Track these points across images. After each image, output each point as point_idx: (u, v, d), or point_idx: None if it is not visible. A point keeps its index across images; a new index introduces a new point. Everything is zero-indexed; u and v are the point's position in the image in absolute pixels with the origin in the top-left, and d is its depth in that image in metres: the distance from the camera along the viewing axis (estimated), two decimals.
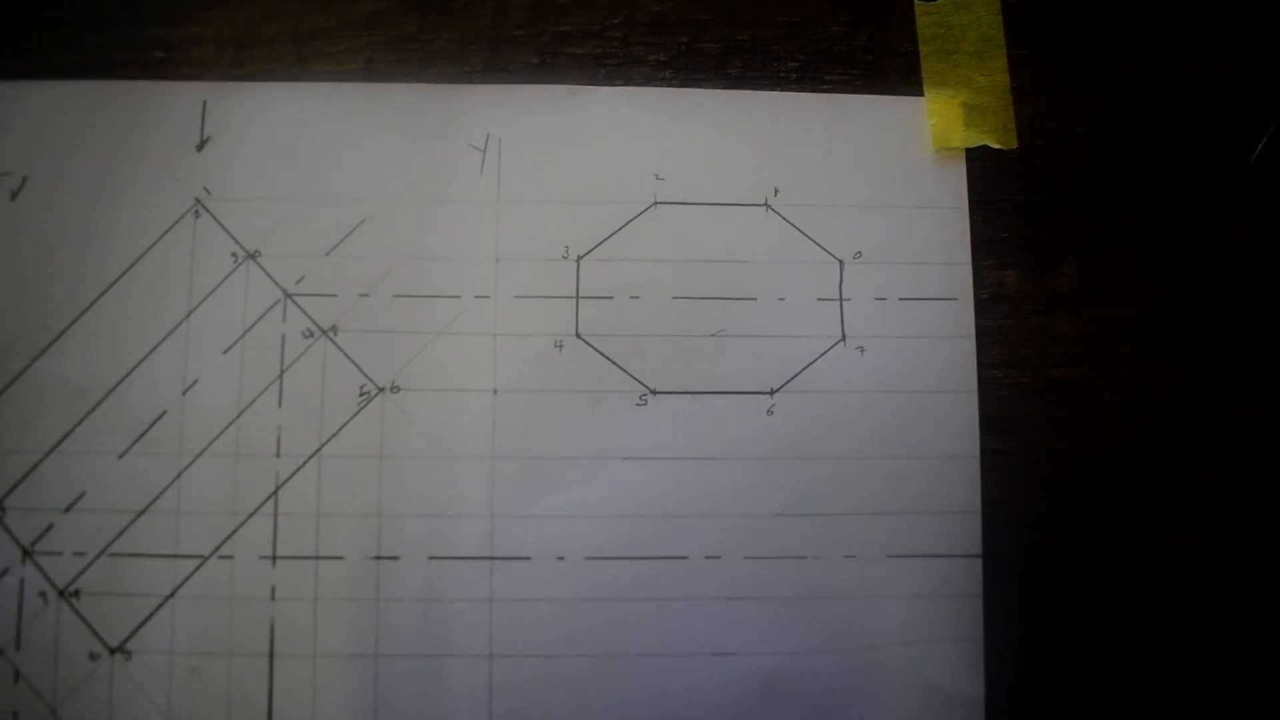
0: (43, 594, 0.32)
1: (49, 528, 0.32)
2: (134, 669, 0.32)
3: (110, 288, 0.34)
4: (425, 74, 0.35)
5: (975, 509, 0.33)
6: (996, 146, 0.34)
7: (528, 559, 0.33)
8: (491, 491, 0.33)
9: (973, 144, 0.34)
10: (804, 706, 0.32)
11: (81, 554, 0.32)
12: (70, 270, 0.33)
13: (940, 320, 0.34)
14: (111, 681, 0.32)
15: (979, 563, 0.33)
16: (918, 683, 0.33)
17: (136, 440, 0.33)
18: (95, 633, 0.32)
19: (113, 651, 0.32)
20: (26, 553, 0.33)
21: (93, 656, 0.32)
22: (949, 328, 0.34)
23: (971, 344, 0.34)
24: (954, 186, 0.34)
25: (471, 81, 0.35)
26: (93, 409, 0.33)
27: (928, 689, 0.32)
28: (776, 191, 0.34)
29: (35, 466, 0.33)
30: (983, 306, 0.34)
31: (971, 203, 0.34)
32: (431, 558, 0.33)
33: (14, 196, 0.34)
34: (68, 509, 0.33)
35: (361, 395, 0.33)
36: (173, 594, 0.33)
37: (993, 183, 0.34)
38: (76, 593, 0.32)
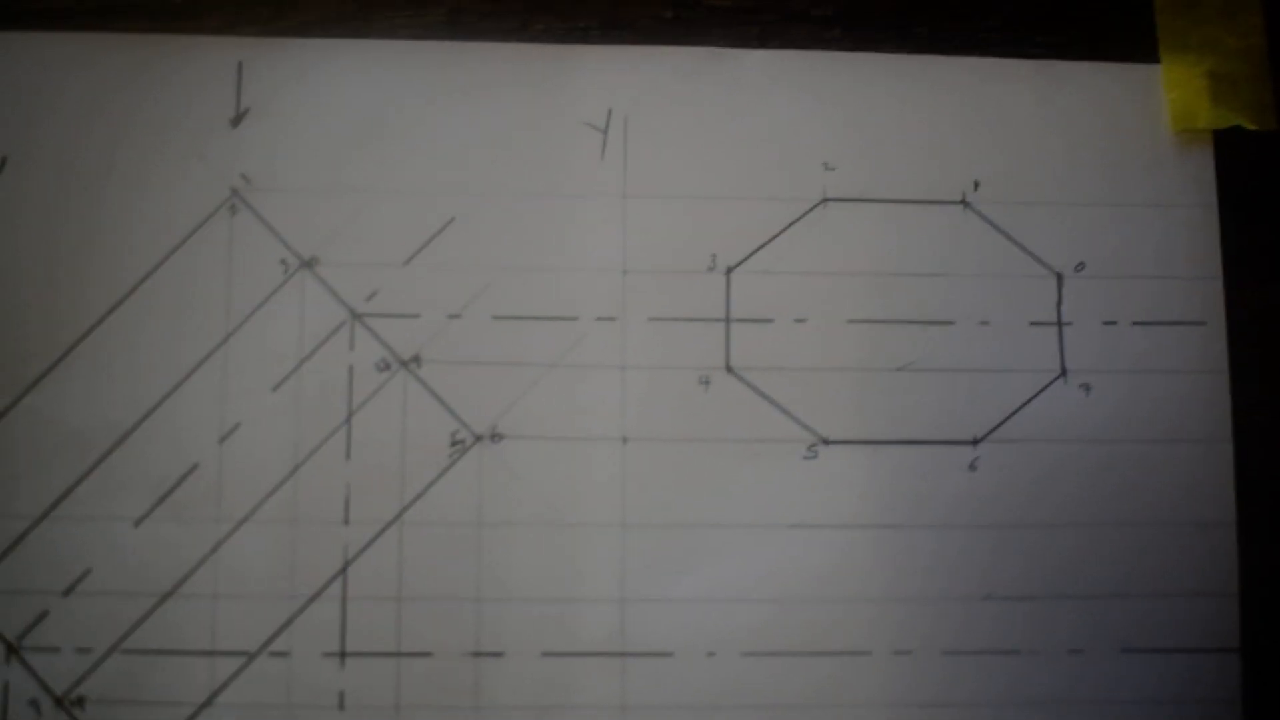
0: (34, 703, 0.27)
1: (42, 616, 0.28)
2: None
3: (121, 303, 0.29)
4: (528, 31, 0.31)
5: (1232, 591, 0.29)
6: (1252, 127, 0.30)
7: (669, 655, 0.28)
8: (622, 568, 0.28)
9: (1222, 124, 0.30)
10: None
11: (86, 650, 0.28)
12: (69, 281, 0.29)
13: (1185, 350, 0.29)
14: None
15: (1237, 659, 0.28)
16: None
17: (159, 502, 0.28)
18: None
19: None
20: (12, 649, 0.27)
21: None
22: (1196, 360, 0.29)
23: (1224, 380, 0.29)
24: (1199, 179, 0.30)
25: (588, 41, 0.31)
26: (100, 460, 0.28)
27: None
28: (976, 185, 0.30)
29: (24, 536, 0.28)
30: (1238, 332, 0.29)
31: (1222, 200, 0.30)
32: (545, 654, 0.28)
33: None
34: (67, 591, 0.28)
35: (454, 445, 0.28)
36: (209, 702, 0.27)
37: (1249, 174, 0.30)
38: (80, 700, 0.27)
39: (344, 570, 0.28)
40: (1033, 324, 0.29)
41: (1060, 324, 0.29)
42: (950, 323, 0.29)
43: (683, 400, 0.29)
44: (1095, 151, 0.30)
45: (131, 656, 0.27)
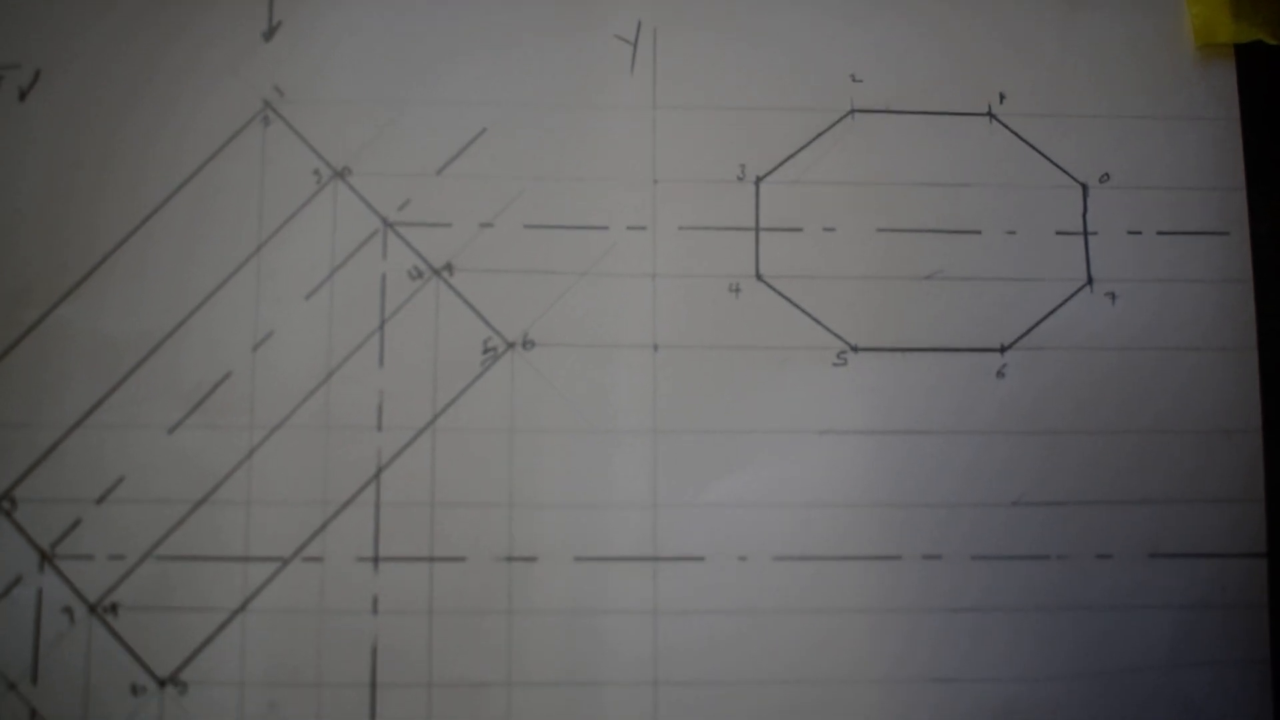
0: (68, 610, 0.27)
1: (75, 524, 0.27)
2: (191, 705, 0.27)
3: (155, 213, 0.28)
4: None
5: (1258, 496, 0.28)
6: (1273, 42, 0.30)
7: (700, 559, 0.28)
8: (654, 474, 0.28)
9: (1244, 39, 0.30)
10: None
11: (119, 557, 0.27)
12: (101, 192, 0.28)
13: (1209, 259, 0.29)
14: None
15: (1264, 564, 0.28)
16: (1189, 716, 0.28)
17: (193, 410, 0.28)
18: (139, 659, 0.27)
19: (162, 684, 0.27)
20: (46, 557, 0.27)
21: (136, 690, 0.27)
22: (1220, 269, 0.29)
23: (1249, 289, 0.29)
24: (1222, 92, 0.30)
25: None
26: (133, 369, 0.28)
27: None
28: (1002, 98, 0.29)
29: (57, 445, 0.27)
30: (1261, 242, 0.29)
31: (1244, 112, 0.29)
32: (578, 558, 0.28)
33: (23, 96, 0.28)
34: (100, 499, 0.27)
35: (486, 352, 0.28)
36: (242, 607, 0.27)
37: (1271, 88, 0.30)
38: (113, 607, 0.27)
39: (377, 476, 0.27)
40: (1059, 233, 0.29)
41: (1086, 234, 0.29)
42: (977, 232, 0.29)
43: (713, 308, 0.28)
44: (1119, 65, 0.29)
45: (165, 563, 0.27)
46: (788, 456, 0.28)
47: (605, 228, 0.29)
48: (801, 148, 0.29)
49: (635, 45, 0.29)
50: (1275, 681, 0.28)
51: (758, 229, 0.29)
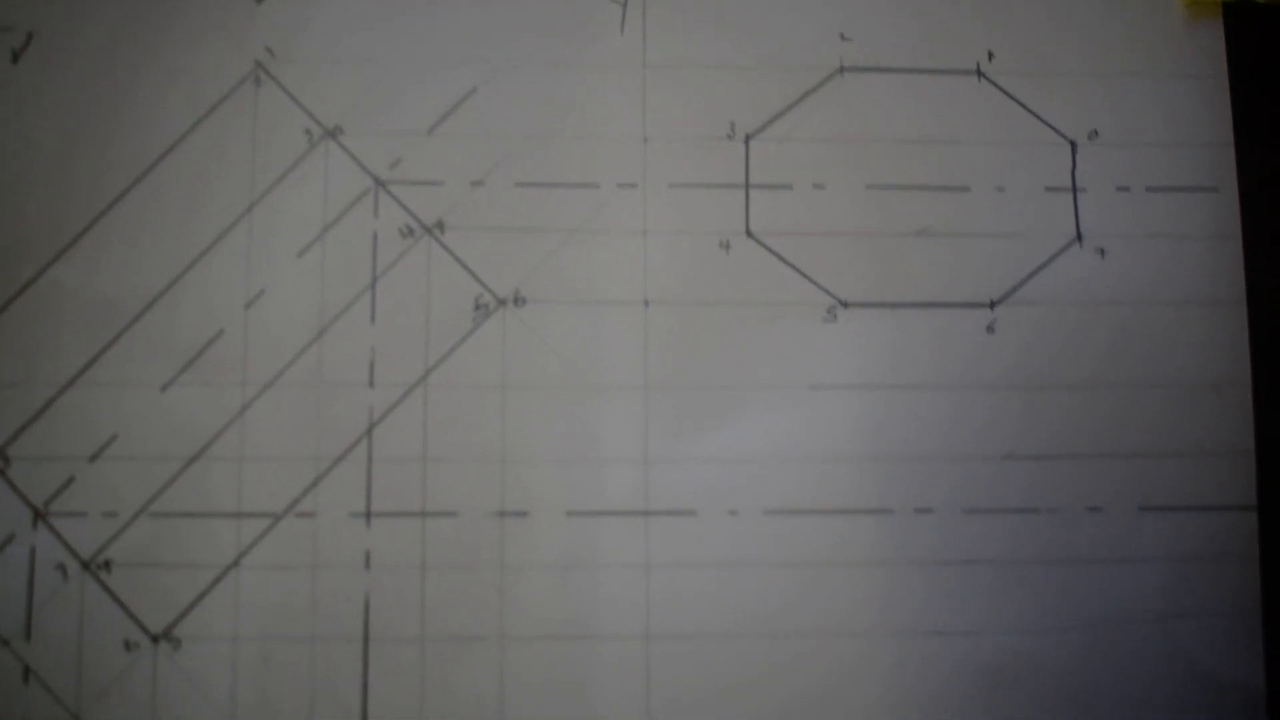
0: (61, 567, 0.27)
1: (69, 481, 0.27)
2: (184, 660, 0.27)
3: (147, 174, 0.28)
4: None
5: (1247, 449, 0.28)
6: (1260, 1, 0.30)
7: (692, 514, 0.28)
8: (645, 429, 0.28)
9: None
10: (1038, 697, 0.27)
11: (113, 514, 0.27)
12: (93, 153, 0.28)
13: (1198, 215, 0.29)
14: (154, 678, 0.27)
15: (1254, 516, 0.28)
16: (1180, 667, 0.28)
17: (186, 367, 0.28)
18: (132, 616, 0.27)
19: (156, 639, 0.27)
20: (39, 514, 0.27)
21: (129, 646, 0.27)
22: (1208, 224, 0.29)
23: (1237, 244, 0.29)
24: (1210, 49, 0.29)
25: None
26: (126, 327, 0.28)
27: (1193, 674, 0.27)
28: (991, 56, 0.29)
29: (50, 403, 0.27)
30: (1250, 197, 0.29)
31: (1232, 69, 0.29)
32: (570, 513, 0.28)
33: (16, 58, 0.28)
34: (94, 457, 0.27)
35: (477, 309, 0.28)
36: (235, 563, 0.27)
37: (1259, 44, 0.30)
38: (107, 564, 0.27)
39: (369, 432, 0.27)
40: (1048, 190, 0.29)
41: (1075, 190, 0.29)
42: (966, 189, 0.29)
43: (703, 264, 0.28)
44: (1107, 23, 0.29)
45: (158, 520, 0.27)
46: (778, 411, 0.28)
47: (596, 185, 0.29)
48: (791, 106, 0.29)
49: (625, 4, 0.29)
50: (1266, 632, 0.28)
51: (748, 186, 0.29)
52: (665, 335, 0.28)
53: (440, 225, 0.28)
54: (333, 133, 0.28)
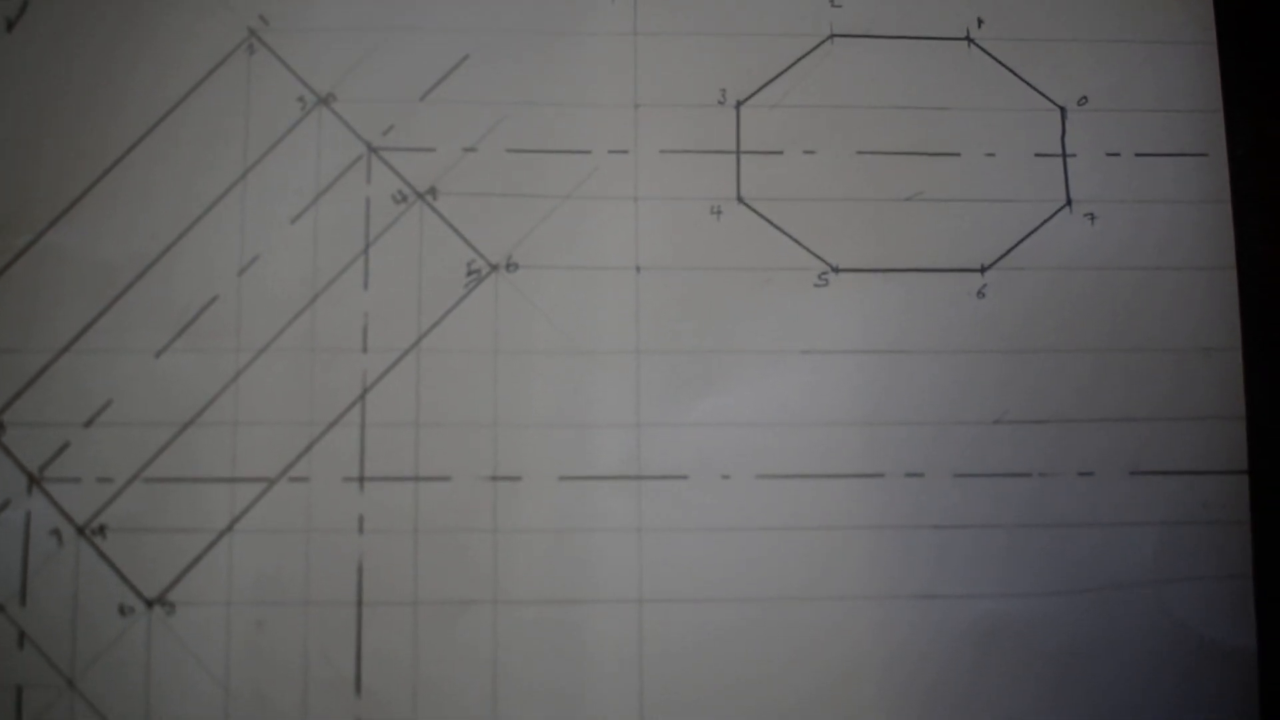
0: (56, 532, 0.27)
1: (64, 447, 0.27)
2: (179, 625, 0.27)
3: (141, 141, 0.28)
4: None
5: (1239, 413, 0.28)
6: None
7: (684, 478, 0.28)
8: (637, 394, 0.28)
9: None
10: (1030, 661, 0.27)
11: (107, 480, 0.27)
12: (88, 120, 0.28)
13: (1187, 180, 0.29)
14: (149, 642, 0.27)
15: (1245, 480, 0.28)
16: (1172, 631, 0.28)
17: (180, 333, 0.28)
18: (127, 580, 0.27)
19: (150, 604, 0.27)
20: (34, 480, 0.27)
21: (124, 611, 0.27)
22: (1198, 189, 0.29)
23: (1226, 209, 0.29)
24: (1199, 14, 0.29)
25: None
26: (121, 294, 0.28)
27: (1185, 638, 0.27)
28: (980, 22, 0.29)
29: (45, 369, 0.27)
30: (1239, 163, 0.29)
31: (1221, 35, 0.29)
32: (562, 478, 0.28)
33: (10, 26, 0.29)
34: (88, 423, 0.27)
35: (469, 274, 0.28)
36: (229, 528, 0.27)
37: (1248, 9, 0.30)
38: (101, 529, 0.27)
39: (362, 397, 0.27)
40: (1037, 155, 0.29)
41: (1065, 155, 0.29)
42: (956, 154, 0.29)
43: (695, 230, 0.28)
44: None
45: (152, 485, 0.27)
46: (770, 376, 0.28)
47: (587, 151, 0.29)
48: (781, 72, 0.29)
49: None
50: (1257, 596, 0.28)
51: (739, 152, 0.29)
52: (657, 300, 0.28)
53: (433, 191, 0.28)
54: (326, 100, 0.28)
